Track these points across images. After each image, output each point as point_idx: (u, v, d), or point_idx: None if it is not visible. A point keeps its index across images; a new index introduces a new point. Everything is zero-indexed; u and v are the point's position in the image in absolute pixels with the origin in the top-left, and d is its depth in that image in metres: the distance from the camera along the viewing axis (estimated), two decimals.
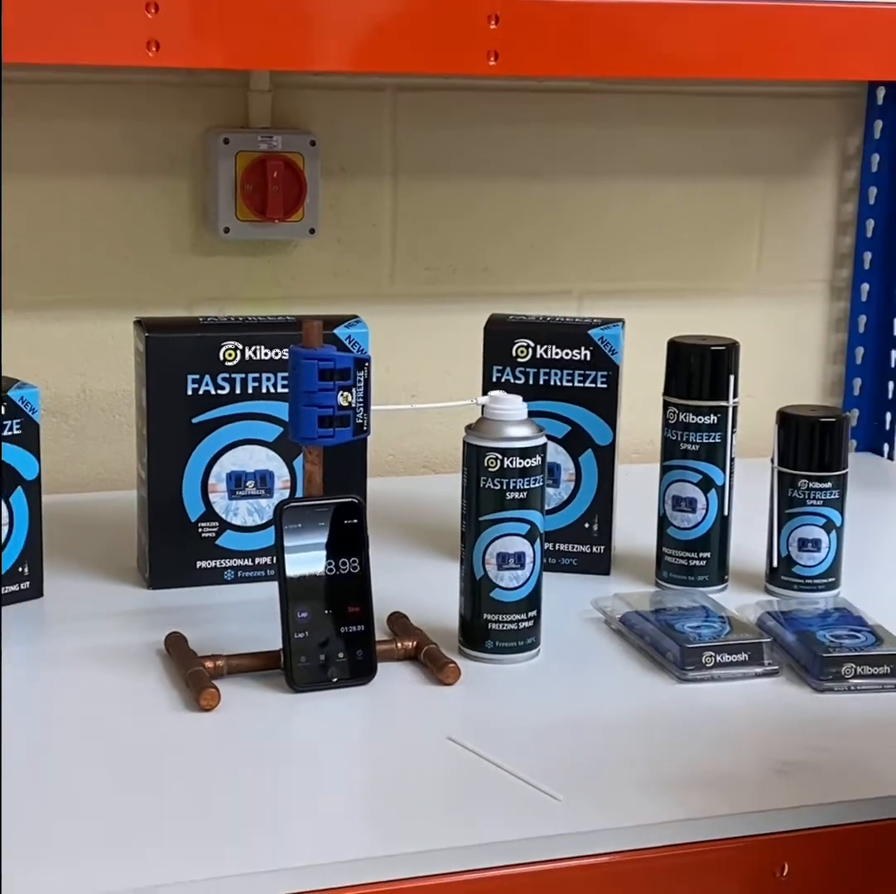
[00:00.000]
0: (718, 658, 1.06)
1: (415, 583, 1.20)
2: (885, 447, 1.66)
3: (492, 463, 1.06)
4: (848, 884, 0.91)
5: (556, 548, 1.27)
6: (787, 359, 1.68)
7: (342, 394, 1.02)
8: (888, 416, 1.66)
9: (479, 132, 1.54)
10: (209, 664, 1.02)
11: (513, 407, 1.08)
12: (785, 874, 0.88)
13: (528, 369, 1.25)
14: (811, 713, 1.02)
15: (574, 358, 1.25)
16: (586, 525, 1.27)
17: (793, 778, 0.92)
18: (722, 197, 1.63)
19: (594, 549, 1.27)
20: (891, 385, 1.65)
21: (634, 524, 1.30)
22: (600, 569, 1.27)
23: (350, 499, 1.04)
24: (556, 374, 1.25)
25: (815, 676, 1.05)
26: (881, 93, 1.61)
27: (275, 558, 1.03)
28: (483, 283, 1.57)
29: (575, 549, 1.27)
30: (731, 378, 1.21)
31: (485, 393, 1.16)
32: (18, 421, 1.15)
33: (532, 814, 0.87)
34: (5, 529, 1.15)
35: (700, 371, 1.22)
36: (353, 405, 1.03)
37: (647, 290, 1.62)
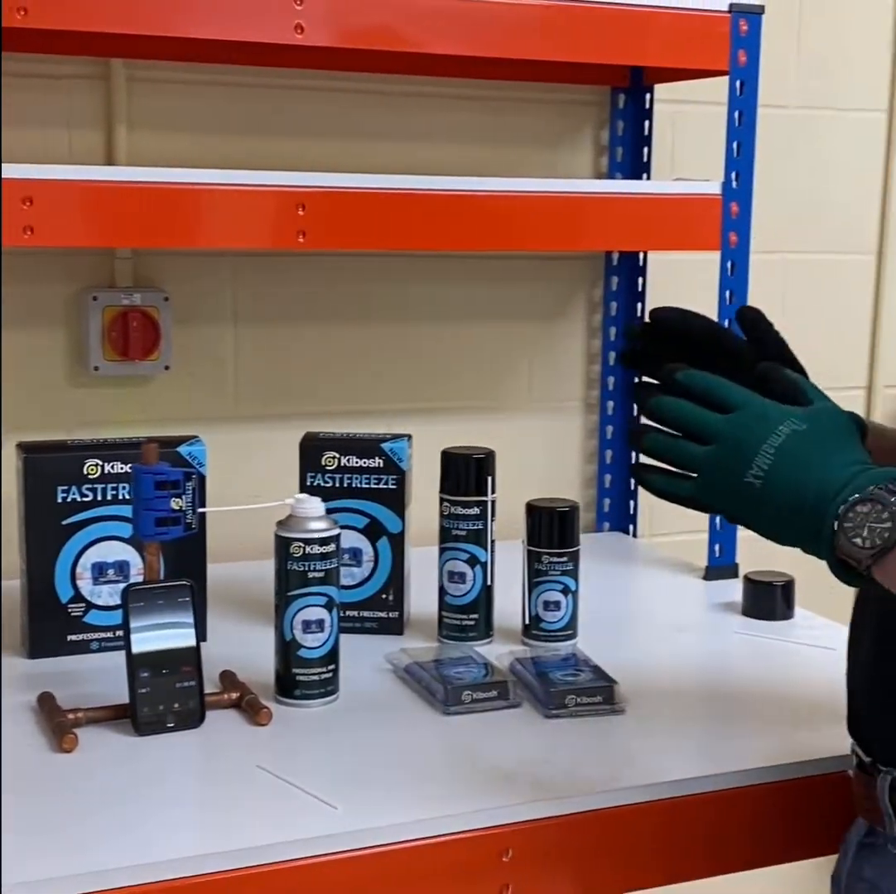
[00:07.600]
0: (475, 695, 1.17)
1: (243, 646, 1.29)
2: (631, 527, 1.81)
3: (296, 550, 1.17)
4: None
5: (360, 614, 1.37)
6: (553, 460, 1.83)
7: (174, 501, 1.12)
8: (631, 504, 1.81)
9: (300, 289, 1.67)
10: (71, 715, 1.10)
11: (313, 506, 1.19)
12: (509, 857, 0.99)
13: (334, 475, 1.37)
14: (539, 735, 1.13)
15: (370, 465, 1.37)
16: (383, 596, 1.38)
17: (516, 782, 1.03)
18: (500, 336, 1.77)
19: (390, 614, 1.38)
20: (631, 480, 1.81)
21: (422, 593, 1.41)
22: (396, 630, 1.38)
23: (183, 582, 1.14)
24: (356, 478, 1.37)
25: (545, 706, 1.17)
26: (615, 255, 1.79)
27: (123, 632, 1.12)
28: (305, 406, 1.68)
29: (375, 615, 1.38)
30: (489, 478, 1.35)
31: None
32: None
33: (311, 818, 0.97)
34: None
35: (466, 473, 1.35)
36: (184, 508, 1.13)
37: (433, 410, 1.73)
